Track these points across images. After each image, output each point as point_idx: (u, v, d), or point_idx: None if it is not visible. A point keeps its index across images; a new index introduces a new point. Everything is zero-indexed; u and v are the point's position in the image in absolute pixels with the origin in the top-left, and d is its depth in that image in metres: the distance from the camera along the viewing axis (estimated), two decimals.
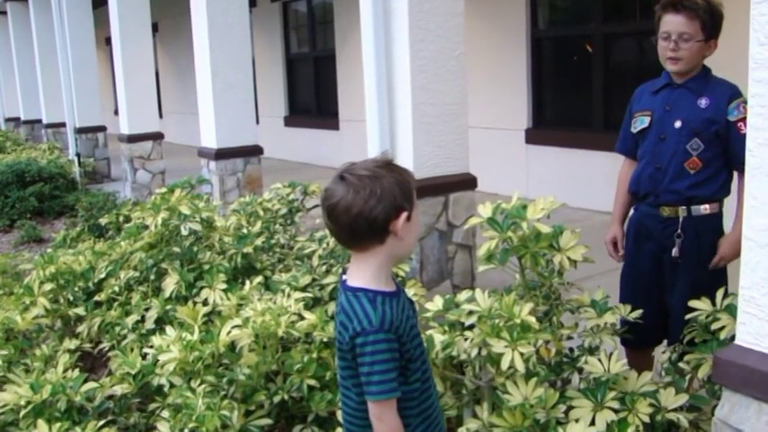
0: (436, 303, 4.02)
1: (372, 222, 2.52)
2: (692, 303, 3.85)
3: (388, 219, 2.53)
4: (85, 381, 4.56)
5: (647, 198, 4.27)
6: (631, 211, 4.47)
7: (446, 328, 3.83)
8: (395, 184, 2.53)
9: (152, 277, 5.91)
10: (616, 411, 3.44)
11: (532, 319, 3.59)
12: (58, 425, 4.17)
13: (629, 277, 4.45)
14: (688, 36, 4.04)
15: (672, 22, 4.08)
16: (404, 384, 2.61)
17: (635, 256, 4.40)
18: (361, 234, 2.56)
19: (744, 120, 3.85)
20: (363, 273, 2.62)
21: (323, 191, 2.60)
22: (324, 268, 5.60)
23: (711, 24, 4.07)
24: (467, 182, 6.49)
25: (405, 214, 2.54)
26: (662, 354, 4.31)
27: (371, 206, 2.50)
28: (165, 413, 4.17)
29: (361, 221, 2.52)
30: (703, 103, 4.09)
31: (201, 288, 5.42)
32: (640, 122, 4.29)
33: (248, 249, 5.83)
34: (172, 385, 4.34)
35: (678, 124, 4.13)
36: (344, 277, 2.70)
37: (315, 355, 4.27)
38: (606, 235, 4.58)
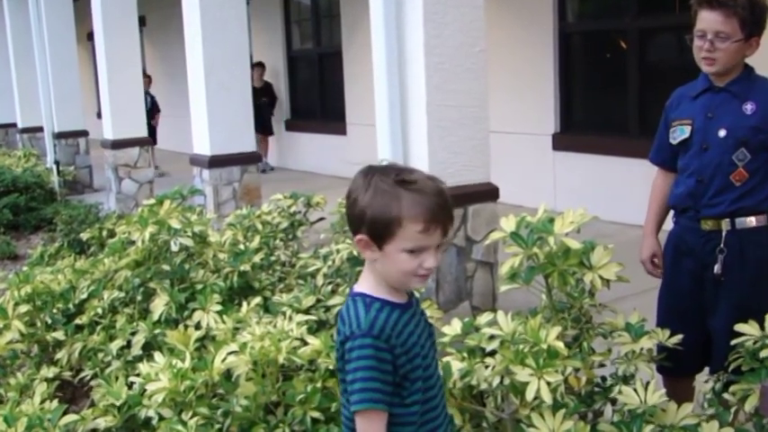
0: (454, 327, 4.03)
1: (348, 218, 2.73)
2: (739, 327, 3.85)
3: (352, 228, 2.70)
4: (65, 413, 4.56)
5: (687, 212, 4.26)
6: (670, 225, 4.46)
7: (465, 354, 3.84)
8: (376, 206, 2.59)
9: (139, 298, 5.93)
10: None
11: (561, 345, 3.59)
12: None
13: (668, 298, 4.44)
14: (725, 35, 4.03)
15: (707, 20, 4.06)
16: (399, 406, 2.66)
17: (673, 274, 4.39)
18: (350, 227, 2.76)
19: None
20: (367, 279, 2.74)
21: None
22: (329, 288, 5.61)
23: (752, 21, 4.05)
24: (488, 192, 6.50)
25: (358, 236, 2.65)
26: (704, 383, 4.31)
27: (348, 206, 2.69)
28: None
29: (348, 214, 2.72)
30: (749, 108, 4.08)
31: (194, 310, 5.43)
32: (680, 132, 4.27)
33: (245, 267, 5.84)
34: (161, 418, 4.34)
35: (723, 133, 4.11)
36: (354, 286, 2.80)
37: (319, 385, 4.27)
38: (641, 252, 4.57)
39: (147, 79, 19.32)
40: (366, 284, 2.71)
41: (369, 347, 2.56)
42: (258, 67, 17.96)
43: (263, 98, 17.75)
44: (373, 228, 2.59)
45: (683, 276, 4.33)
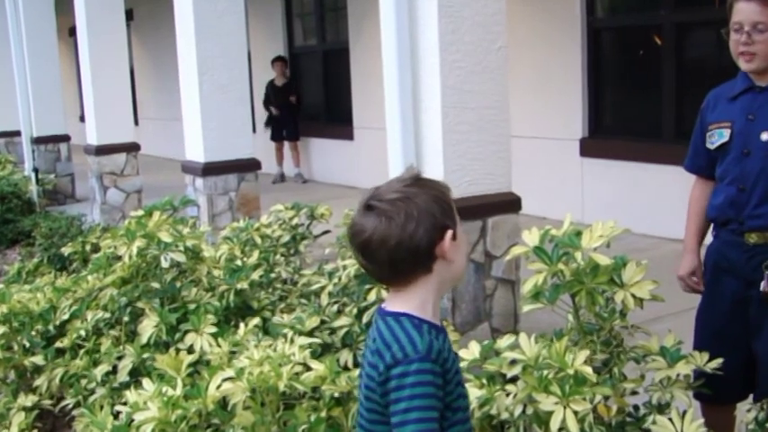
0: (472, 351, 4.04)
1: (416, 250, 2.59)
2: None
3: (432, 242, 2.60)
4: None
5: (729, 224, 4.25)
6: (710, 239, 4.45)
7: (484, 380, 3.85)
8: (432, 200, 2.61)
9: (126, 319, 5.94)
10: None
11: (589, 370, 3.60)
12: None
13: (706, 319, 4.43)
14: (763, 26, 4.03)
15: (744, 11, 4.07)
16: None
17: (713, 293, 4.38)
18: (405, 267, 2.63)
19: None
20: (407, 300, 2.68)
21: (350, 227, 2.68)
22: (335, 308, 5.61)
23: None
24: (509, 203, 6.50)
25: (450, 233, 2.62)
26: (747, 412, 4.30)
27: (411, 232, 2.57)
28: None
29: (403, 252, 2.58)
30: None
31: (186, 332, 5.44)
32: (719, 136, 4.25)
33: (243, 285, 5.85)
34: None
35: (765, 137, 4.10)
36: (382, 305, 2.76)
37: (324, 414, 4.28)
38: (679, 268, 4.56)
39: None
40: (407, 304, 2.66)
41: (428, 373, 2.52)
42: (279, 61, 17.77)
43: (291, 98, 17.64)
44: (450, 214, 2.64)
45: (724, 296, 4.32)
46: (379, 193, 2.62)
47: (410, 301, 2.66)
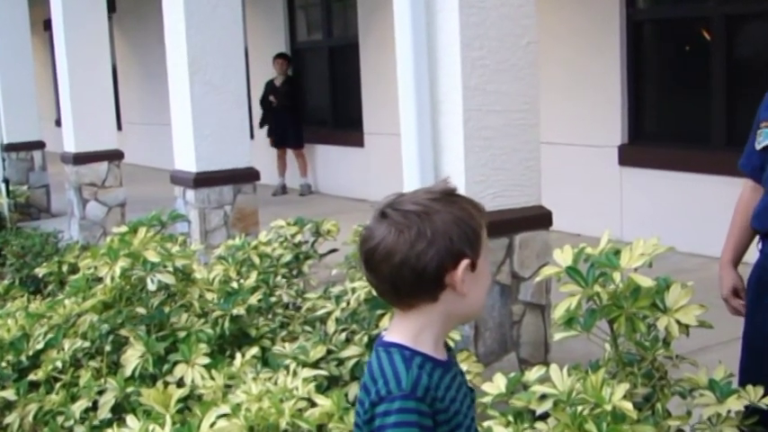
0: (497, 384, 4.04)
1: (420, 273, 2.54)
2: None
3: (442, 269, 2.55)
4: None
5: None
6: (756, 254, 4.43)
7: (510, 417, 3.85)
8: (452, 222, 2.55)
9: (108, 348, 5.95)
10: None
11: (629, 406, 3.61)
12: None
13: (749, 339, 4.40)
14: None
15: None
16: None
17: (755, 310, 4.35)
18: (406, 289, 2.59)
19: None
20: (404, 328, 2.65)
21: (362, 230, 2.65)
22: (343, 336, 5.62)
23: None
24: (539, 218, 6.51)
25: (465, 263, 2.57)
26: None
27: (419, 251, 2.53)
28: None
29: (406, 272, 2.55)
30: None
31: (175, 363, 5.45)
32: (764, 137, 4.24)
33: (239, 310, 5.86)
34: None
35: None
36: (383, 333, 2.74)
37: None
38: (720, 288, 4.55)
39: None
40: (402, 334, 2.63)
41: (412, 412, 2.48)
42: (279, 59, 17.60)
43: (271, 97, 17.43)
44: (472, 242, 2.58)
45: (765, 314, 4.29)
46: (398, 201, 2.60)
47: (406, 330, 2.63)
